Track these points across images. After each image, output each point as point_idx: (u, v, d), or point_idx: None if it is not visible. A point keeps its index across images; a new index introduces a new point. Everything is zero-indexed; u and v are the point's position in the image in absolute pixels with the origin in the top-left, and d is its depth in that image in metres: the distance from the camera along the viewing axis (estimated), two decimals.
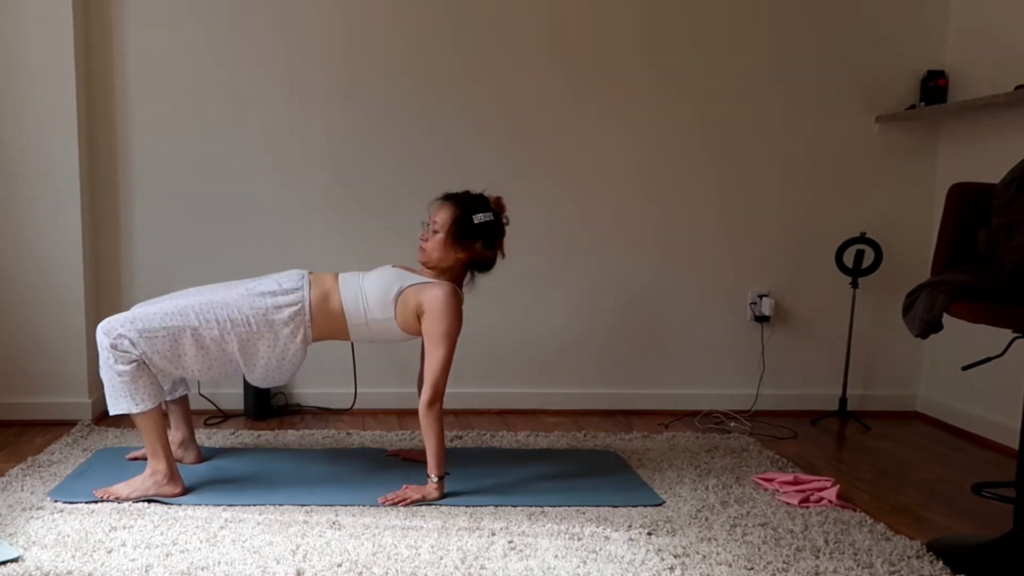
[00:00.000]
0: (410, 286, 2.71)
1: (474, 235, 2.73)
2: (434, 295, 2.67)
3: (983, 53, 3.59)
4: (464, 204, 2.74)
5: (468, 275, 2.84)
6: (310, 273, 2.78)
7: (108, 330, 2.58)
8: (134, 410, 2.58)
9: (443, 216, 2.73)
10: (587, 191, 3.79)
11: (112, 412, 2.60)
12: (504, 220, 2.80)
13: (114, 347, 2.56)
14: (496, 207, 2.78)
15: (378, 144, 3.71)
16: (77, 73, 3.46)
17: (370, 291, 2.71)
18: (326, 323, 2.71)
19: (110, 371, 2.57)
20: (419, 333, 2.72)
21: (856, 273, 3.71)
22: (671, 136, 3.79)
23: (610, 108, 3.76)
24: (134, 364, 2.56)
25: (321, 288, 2.72)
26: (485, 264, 2.82)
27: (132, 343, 2.56)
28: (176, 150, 3.66)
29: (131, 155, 3.65)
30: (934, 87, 3.71)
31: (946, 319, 2.26)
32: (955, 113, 3.59)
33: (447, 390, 2.69)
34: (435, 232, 2.73)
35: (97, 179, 3.65)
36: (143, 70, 3.62)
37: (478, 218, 2.72)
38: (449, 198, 2.77)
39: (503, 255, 2.82)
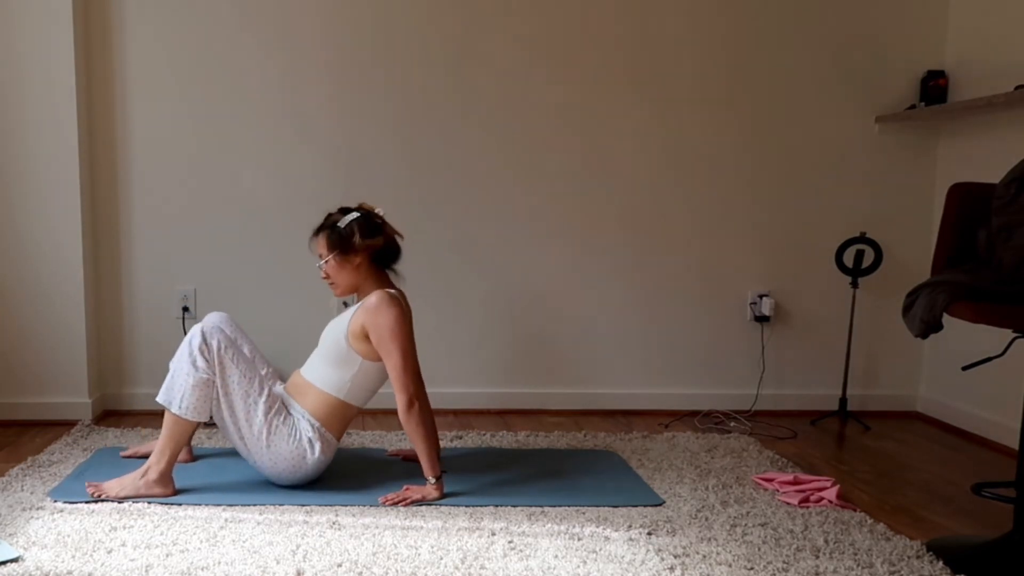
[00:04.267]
0: (349, 321, 2.72)
1: (350, 235, 2.73)
2: (366, 307, 2.69)
3: (983, 53, 3.59)
4: (327, 223, 2.78)
5: (390, 273, 2.84)
6: (283, 388, 2.80)
7: (208, 334, 2.61)
8: (175, 410, 2.60)
9: (321, 244, 2.77)
10: (586, 192, 3.79)
11: (159, 399, 2.64)
12: (374, 211, 2.80)
13: (202, 352, 2.60)
14: (359, 208, 2.80)
15: (381, 144, 3.71)
16: (77, 73, 3.46)
17: (329, 358, 2.74)
18: (334, 418, 2.74)
19: (184, 367, 2.60)
20: None
21: (856, 273, 3.71)
22: (670, 137, 3.79)
23: (611, 110, 3.75)
24: (206, 377, 2.60)
25: (303, 396, 2.74)
26: (385, 253, 2.80)
27: (219, 362, 2.60)
28: (176, 150, 3.66)
29: (131, 155, 3.65)
30: (934, 87, 3.71)
31: (946, 319, 2.26)
32: (955, 113, 3.59)
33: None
34: (326, 262, 2.76)
35: (97, 179, 3.65)
36: (144, 70, 3.62)
37: (343, 221, 2.75)
38: (316, 229, 2.81)
39: (400, 235, 2.82)
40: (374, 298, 2.69)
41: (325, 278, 2.79)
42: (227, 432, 2.69)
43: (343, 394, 2.74)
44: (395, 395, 2.67)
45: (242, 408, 2.63)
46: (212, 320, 2.75)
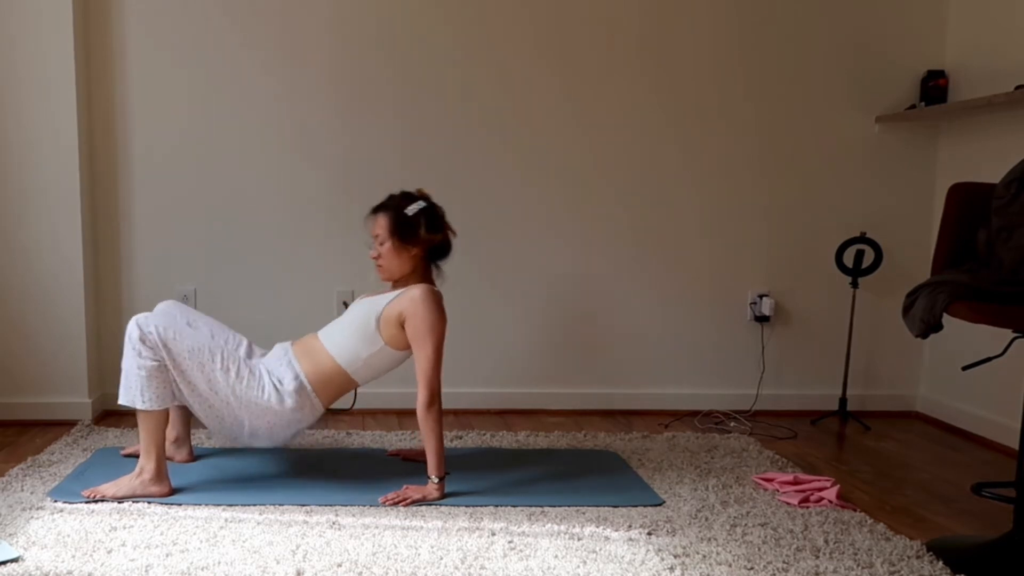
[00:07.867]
0: (386, 305, 2.73)
1: (415, 226, 2.75)
2: (410, 297, 2.70)
3: (983, 53, 3.59)
4: (393, 205, 2.78)
5: (433, 269, 2.85)
6: (292, 344, 2.81)
7: (143, 324, 2.61)
8: (140, 406, 2.60)
9: (381, 225, 2.77)
10: (587, 192, 3.79)
11: (120, 401, 2.63)
12: (436, 203, 2.82)
13: (143, 341, 2.59)
14: (421, 195, 2.81)
15: (381, 146, 3.71)
16: (77, 74, 3.45)
17: (352, 331, 2.74)
18: (330, 386, 2.75)
19: (131, 362, 2.60)
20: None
21: (856, 273, 3.71)
22: (671, 136, 3.79)
23: (612, 108, 3.76)
24: (156, 363, 2.59)
25: (309, 356, 2.75)
26: (441, 249, 2.82)
27: (162, 345, 2.59)
28: (177, 150, 3.66)
29: (131, 156, 3.65)
30: (934, 87, 3.71)
31: (946, 319, 2.26)
32: (955, 113, 3.59)
33: (446, 390, 2.70)
34: (381, 243, 2.76)
35: (97, 180, 3.65)
36: (144, 71, 3.61)
37: (411, 209, 2.75)
38: (378, 208, 2.80)
39: (454, 233, 2.83)
40: (421, 291, 2.70)
41: (376, 258, 2.78)
42: (194, 408, 2.69)
43: (352, 369, 2.74)
44: (418, 389, 2.66)
45: (201, 379, 2.63)
46: (157, 308, 2.75)
